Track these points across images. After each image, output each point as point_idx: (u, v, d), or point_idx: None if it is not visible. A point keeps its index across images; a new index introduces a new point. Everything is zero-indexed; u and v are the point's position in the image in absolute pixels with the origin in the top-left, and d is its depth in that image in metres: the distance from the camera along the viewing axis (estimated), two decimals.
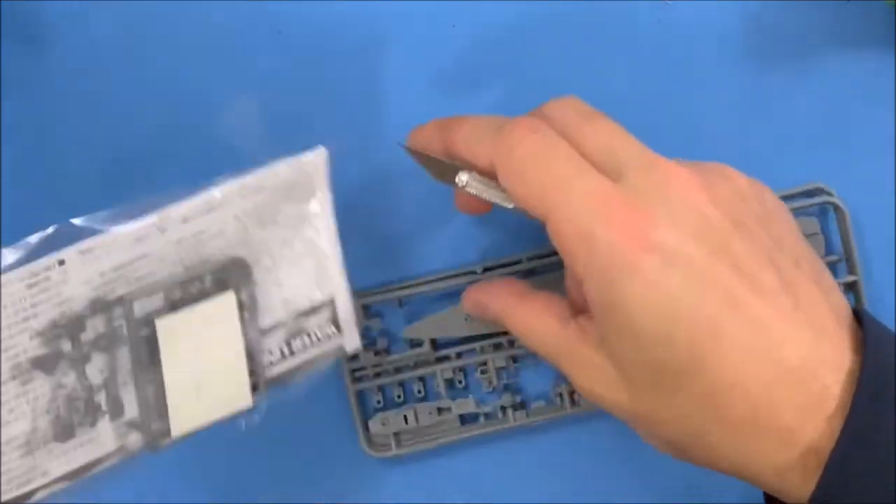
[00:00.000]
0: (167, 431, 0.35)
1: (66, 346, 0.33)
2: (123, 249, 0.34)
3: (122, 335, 0.34)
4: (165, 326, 0.34)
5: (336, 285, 0.37)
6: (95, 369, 0.34)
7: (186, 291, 0.35)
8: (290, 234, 0.36)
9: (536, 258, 0.45)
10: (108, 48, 0.46)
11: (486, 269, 0.45)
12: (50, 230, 0.32)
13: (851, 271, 0.45)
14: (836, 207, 0.45)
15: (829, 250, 0.45)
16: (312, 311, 0.37)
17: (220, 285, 0.35)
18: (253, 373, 0.36)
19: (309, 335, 0.37)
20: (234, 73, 0.46)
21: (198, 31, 0.46)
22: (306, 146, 0.36)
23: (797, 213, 0.45)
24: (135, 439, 0.35)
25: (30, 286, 0.32)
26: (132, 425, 0.35)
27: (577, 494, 0.45)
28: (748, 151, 0.45)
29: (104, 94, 0.46)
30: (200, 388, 0.35)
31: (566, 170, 0.34)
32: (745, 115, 0.45)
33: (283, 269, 0.36)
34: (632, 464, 0.45)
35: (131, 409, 0.35)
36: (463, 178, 0.35)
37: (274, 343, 0.37)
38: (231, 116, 0.45)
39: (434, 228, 0.46)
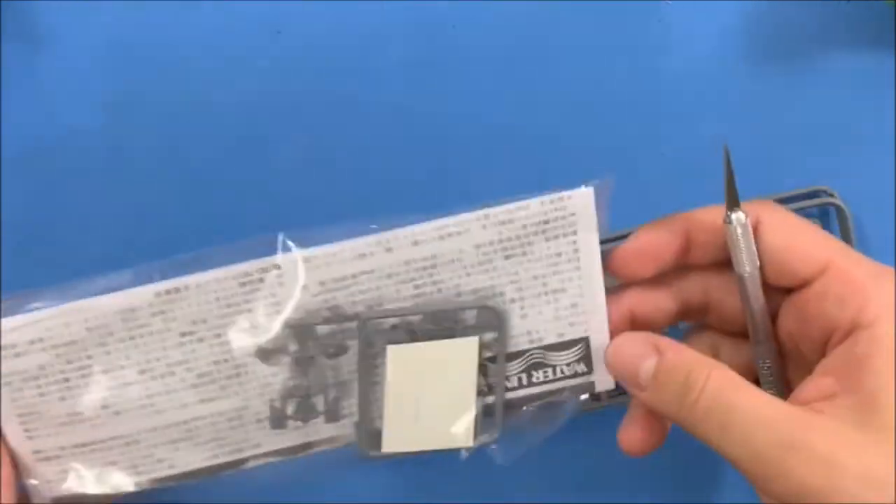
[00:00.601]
0: (378, 446, 0.36)
1: (293, 345, 0.35)
2: (345, 263, 0.35)
3: (351, 348, 0.35)
4: (398, 354, 0.35)
5: (594, 325, 0.36)
6: (318, 373, 0.35)
7: (427, 323, 0.35)
8: (543, 270, 0.36)
9: None
10: (108, 48, 0.46)
11: None
12: (278, 236, 0.34)
13: None
14: (838, 209, 0.45)
15: None
16: (560, 346, 0.37)
17: (460, 324, 0.35)
18: (486, 393, 0.37)
19: (553, 368, 0.37)
20: (234, 72, 0.46)
21: (198, 31, 0.46)
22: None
23: (798, 214, 0.45)
24: (346, 440, 0.36)
25: (242, 284, 0.34)
26: (345, 431, 0.36)
27: (580, 494, 0.45)
28: (749, 152, 0.45)
29: (104, 94, 0.46)
30: (420, 417, 0.36)
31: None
32: (745, 115, 0.45)
33: (529, 301, 0.36)
34: (631, 464, 0.45)
35: (347, 419, 0.36)
36: (739, 216, 0.35)
37: (510, 371, 0.37)
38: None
39: None
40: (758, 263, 0.35)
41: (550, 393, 0.37)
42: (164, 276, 0.34)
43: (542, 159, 0.46)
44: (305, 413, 0.36)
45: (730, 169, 0.35)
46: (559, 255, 0.36)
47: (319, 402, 0.36)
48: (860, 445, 0.32)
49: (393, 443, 0.36)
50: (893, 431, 0.32)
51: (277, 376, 0.35)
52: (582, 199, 0.35)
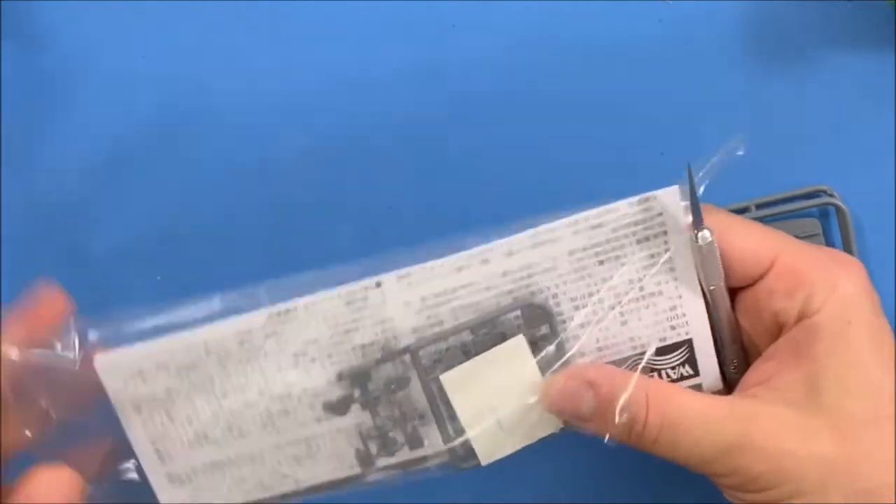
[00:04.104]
0: (474, 459, 0.37)
1: (356, 391, 0.36)
2: (444, 277, 0.36)
3: (413, 379, 0.36)
4: (452, 379, 0.36)
5: (695, 327, 0.37)
6: (388, 411, 0.37)
7: (478, 337, 0.36)
8: (638, 273, 0.36)
9: None
10: (107, 48, 0.46)
11: None
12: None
13: None
14: (838, 209, 0.45)
15: None
16: (663, 350, 0.37)
17: (511, 329, 0.36)
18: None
19: (658, 373, 0.37)
20: (233, 72, 0.46)
21: (197, 31, 0.46)
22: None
23: (798, 214, 0.45)
24: (438, 461, 0.37)
25: (348, 303, 0.35)
26: (435, 455, 0.37)
27: (578, 495, 0.45)
28: (749, 152, 0.45)
29: (103, 93, 0.46)
30: (503, 424, 0.36)
31: None
32: (745, 115, 0.45)
33: (628, 307, 0.36)
34: (630, 463, 0.45)
35: (433, 443, 0.37)
36: (705, 234, 0.35)
37: None
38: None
39: None
40: (723, 275, 0.36)
41: None
42: (272, 300, 0.35)
43: (542, 159, 0.46)
44: (389, 448, 0.37)
45: (693, 188, 0.35)
46: (652, 256, 0.36)
47: (399, 436, 0.37)
48: (801, 429, 0.33)
49: (488, 454, 0.37)
50: (834, 413, 0.33)
51: (352, 422, 0.36)
52: (668, 198, 0.35)
